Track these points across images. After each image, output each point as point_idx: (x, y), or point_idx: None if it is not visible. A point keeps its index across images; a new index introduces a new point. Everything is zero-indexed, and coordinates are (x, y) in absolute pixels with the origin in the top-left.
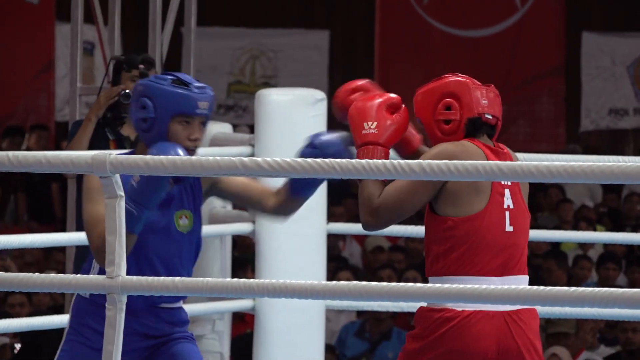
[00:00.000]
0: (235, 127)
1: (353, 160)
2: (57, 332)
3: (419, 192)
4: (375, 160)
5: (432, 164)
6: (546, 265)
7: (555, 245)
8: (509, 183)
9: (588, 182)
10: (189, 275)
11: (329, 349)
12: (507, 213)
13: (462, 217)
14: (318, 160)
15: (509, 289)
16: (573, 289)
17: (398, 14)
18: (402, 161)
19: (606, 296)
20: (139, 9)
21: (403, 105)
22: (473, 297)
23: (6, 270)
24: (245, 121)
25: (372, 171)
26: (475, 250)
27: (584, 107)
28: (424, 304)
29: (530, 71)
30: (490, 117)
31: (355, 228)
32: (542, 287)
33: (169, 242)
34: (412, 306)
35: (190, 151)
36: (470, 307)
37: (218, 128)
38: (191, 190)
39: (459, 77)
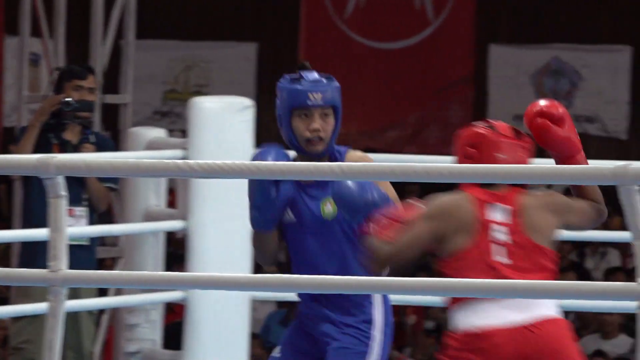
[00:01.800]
0: (170, 132)
1: (257, 162)
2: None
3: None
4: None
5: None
6: None
7: None
8: (505, 220)
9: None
10: (343, 261)
11: (254, 336)
12: (495, 246)
13: (447, 258)
14: (246, 162)
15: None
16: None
17: (321, 27)
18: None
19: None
20: (82, 23)
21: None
22: (395, 287)
23: None
24: (179, 127)
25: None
26: None
27: (490, 113)
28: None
29: (442, 80)
30: None
31: None
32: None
33: (316, 230)
34: None
35: (312, 142)
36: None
37: (154, 133)
38: None
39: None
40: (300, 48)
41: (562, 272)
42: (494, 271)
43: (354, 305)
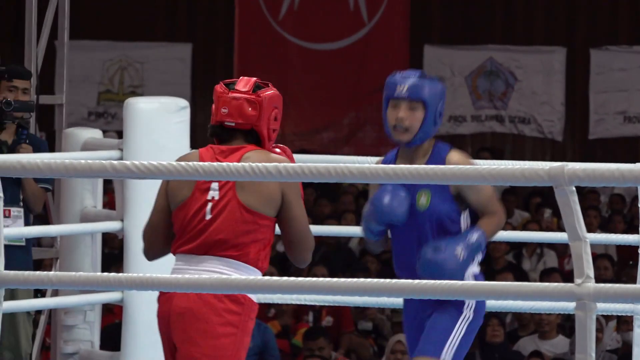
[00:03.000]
0: (104, 133)
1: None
2: None
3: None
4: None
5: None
6: None
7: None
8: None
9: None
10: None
11: None
12: (209, 204)
13: (175, 209)
14: (182, 163)
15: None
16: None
17: (255, 28)
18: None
19: (447, 288)
20: (16, 24)
21: None
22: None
23: None
24: (114, 127)
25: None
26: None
27: None
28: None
29: (377, 81)
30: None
31: None
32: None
33: (410, 220)
34: (268, 298)
35: (397, 130)
36: None
37: (89, 133)
38: None
39: None
40: (234, 49)
41: (500, 273)
42: (198, 227)
43: None
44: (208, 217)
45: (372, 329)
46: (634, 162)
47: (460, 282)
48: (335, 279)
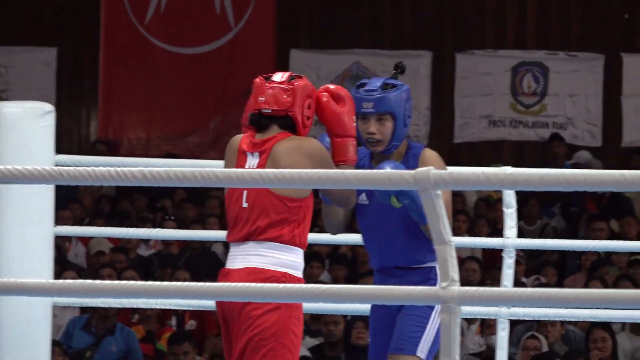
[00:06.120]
0: None
1: (78, 169)
2: None
3: None
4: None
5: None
6: None
7: None
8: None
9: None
10: (404, 240)
11: (55, 343)
12: (244, 192)
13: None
14: (47, 167)
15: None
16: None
17: (122, 32)
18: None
19: (312, 291)
20: None
21: None
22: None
23: None
24: None
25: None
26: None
27: None
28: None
29: (243, 85)
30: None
31: (80, 231)
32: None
33: (383, 212)
34: (133, 302)
35: (370, 143)
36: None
37: None
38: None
39: None
40: (100, 53)
41: (364, 277)
42: (239, 215)
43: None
44: (245, 205)
45: None
46: (499, 165)
47: (326, 286)
48: (200, 283)
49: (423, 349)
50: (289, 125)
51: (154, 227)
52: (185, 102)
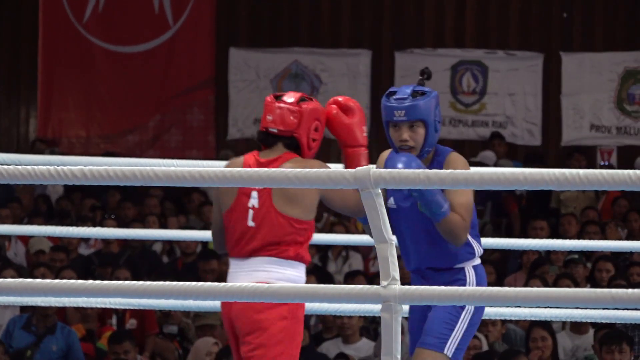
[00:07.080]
0: None
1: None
2: None
3: None
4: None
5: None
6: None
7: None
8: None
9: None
10: (431, 243)
11: None
12: (250, 211)
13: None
14: (10, 167)
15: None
16: (222, 284)
17: (60, 31)
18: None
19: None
20: None
21: None
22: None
23: None
24: None
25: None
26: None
27: (231, 117)
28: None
29: (183, 84)
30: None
31: (19, 229)
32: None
33: (411, 215)
34: (73, 302)
35: (404, 150)
36: None
37: None
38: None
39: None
40: (39, 52)
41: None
42: (243, 233)
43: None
44: (251, 224)
45: (177, 332)
46: None
47: (266, 286)
48: (139, 282)
49: (450, 347)
50: (294, 145)
51: (94, 226)
52: (124, 100)
